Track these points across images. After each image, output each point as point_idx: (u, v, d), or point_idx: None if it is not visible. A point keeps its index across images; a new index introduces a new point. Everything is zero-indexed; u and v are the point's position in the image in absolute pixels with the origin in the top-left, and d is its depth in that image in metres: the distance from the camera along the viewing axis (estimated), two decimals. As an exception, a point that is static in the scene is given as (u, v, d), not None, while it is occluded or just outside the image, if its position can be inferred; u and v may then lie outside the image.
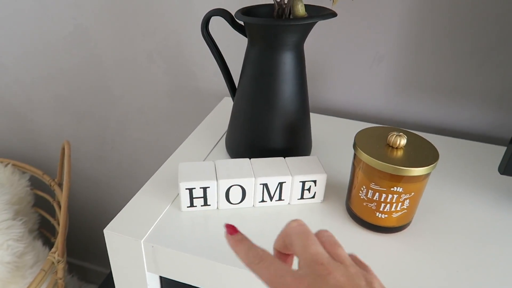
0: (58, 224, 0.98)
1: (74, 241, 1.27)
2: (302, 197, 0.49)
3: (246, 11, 0.51)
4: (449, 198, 0.52)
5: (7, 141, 1.14)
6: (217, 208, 0.48)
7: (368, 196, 0.44)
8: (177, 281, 0.45)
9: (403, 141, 0.43)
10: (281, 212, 0.48)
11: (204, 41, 0.64)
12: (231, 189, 0.47)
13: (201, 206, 0.48)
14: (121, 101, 0.92)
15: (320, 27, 0.68)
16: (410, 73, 0.67)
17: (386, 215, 0.44)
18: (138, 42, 0.82)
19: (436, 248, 0.44)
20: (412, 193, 0.42)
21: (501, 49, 0.61)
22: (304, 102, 0.53)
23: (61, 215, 0.81)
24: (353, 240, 0.45)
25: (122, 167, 1.04)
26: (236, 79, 0.76)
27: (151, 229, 0.45)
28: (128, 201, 0.56)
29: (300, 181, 0.48)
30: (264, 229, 0.46)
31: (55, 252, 0.78)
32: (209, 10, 0.72)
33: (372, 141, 0.44)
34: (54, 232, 1.08)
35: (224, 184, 0.46)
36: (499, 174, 0.57)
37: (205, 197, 0.47)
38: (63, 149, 0.90)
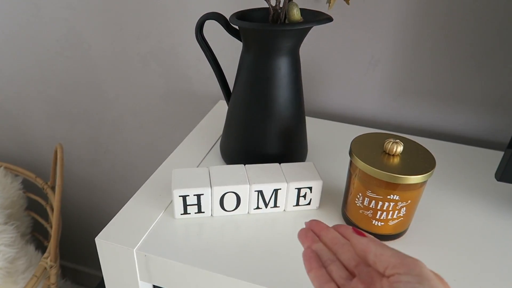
0: (51, 228, 0.97)
1: (68, 244, 1.26)
2: (297, 204, 0.49)
3: (241, 15, 0.50)
4: (446, 204, 0.51)
5: (0, 144, 1.13)
6: (211, 215, 0.48)
7: (364, 203, 0.43)
8: (170, 290, 0.45)
9: (399, 148, 0.42)
10: (277, 219, 0.48)
11: (199, 45, 0.63)
12: (225, 196, 0.46)
13: (195, 213, 0.47)
14: (115, 104, 0.91)
15: (316, 31, 0.68)
16: (406, 77, 0.67)
17: (382, 223, 0.43)
18: (132, 45, 0.81)
19: (433, 256, 0.43)
20: (409, 201, 0.42)
21: (498, 54, 0.61)
22: (299, 107, 0.52)
23: (54, 220, 0.80)
24: (349, 248, 0.44)
25: (116, 170, 1.03)
26: (231, 83, 0.76)
27: (143, 237, 0.44)
28: (122, 205, 0.55)
29: (295, 188, 0.47)
30: (259, 236, 0.45)
31: (47, 257, 0.77)
32: (204, 13, 0.71)
33: (368, 148, 0.44)
34: (47, 236, 1.07)
35: (218, 191, 0.46)
36: (495, 180, 0.56)
37: (199, 204, 0.46)
38: (56, 152, 0.89)
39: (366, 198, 0.43)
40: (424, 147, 0.44)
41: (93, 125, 0.97)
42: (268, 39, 0.46)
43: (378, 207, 0.42)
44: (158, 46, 0.79)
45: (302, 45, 0.69)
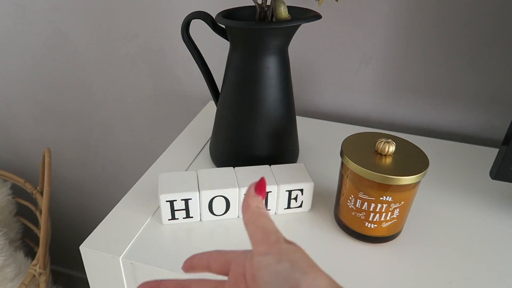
0: (41, 234, 0.95)
1: (60, 249, 1.24)
2: (289, 207, 0.47)
3: (227, 14, 0.49)
4: (440, 204, 0.50)
5: (-12, 149, 1.11)
6: (200, 220, 0.46)
7: (357, 205, 0.42)
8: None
9: (391, 148, 0.41)
10: (267, 223, 0.46)
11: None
12: (214, 200, 0.45)
13: (183, 218, 0.46)
14: (104, 106, 0.89)
15: (305, 29, 0.66)
16: (398, 75, 0.66)
17: (375, 225, 0.42)
18: (119, 46, 0.79)
19: (428, 258, 0.42)
20: (402, 202, 0.41)
21: (491, 50, 0.60)
22: (289, 107, 0.51)
23: (42, 226, 0.78)
24: (342, 250, 0.43)
25: (106, 173, 1.02)
26: (219, 84, 0.74)
27: (130, 244, 0.43)
28: (112, 208, 0.53)
29: (286, 190, 0.46)
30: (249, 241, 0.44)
31: (36, 265, 0.75)
32: (190, 12, 0.70)
33: (359, 148, 0.42)
34: (37, 241, 1.05)
35: (207, 195, 0.44)
36: (490, 178, 0.55)
37: (187, 209, 0.45)
38: (44, 156, 0.87)
39: (358, 200, 0.41)
40: (417, 147, 0.43)
41: (82, 128, 0.95)
42: (255, 38, 0.45)
43: (371, 209, 0.41)
44: (146, 47, 0.78)
45: (292, 43, 0.68)
